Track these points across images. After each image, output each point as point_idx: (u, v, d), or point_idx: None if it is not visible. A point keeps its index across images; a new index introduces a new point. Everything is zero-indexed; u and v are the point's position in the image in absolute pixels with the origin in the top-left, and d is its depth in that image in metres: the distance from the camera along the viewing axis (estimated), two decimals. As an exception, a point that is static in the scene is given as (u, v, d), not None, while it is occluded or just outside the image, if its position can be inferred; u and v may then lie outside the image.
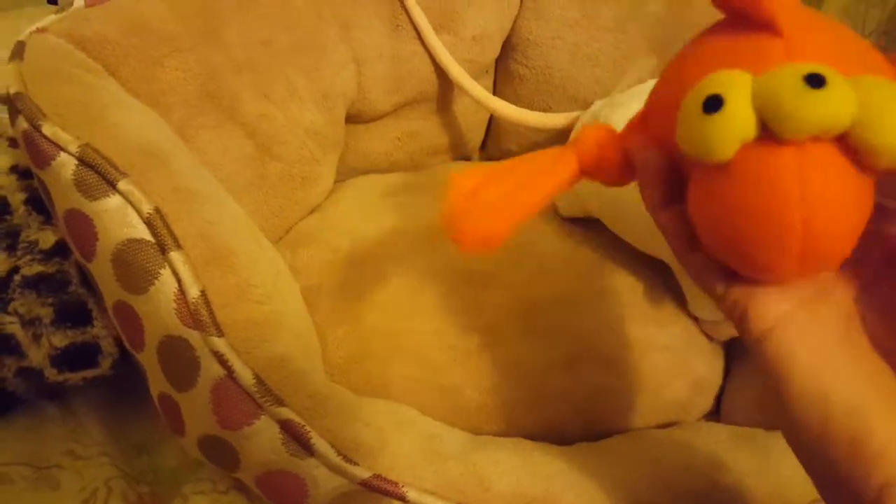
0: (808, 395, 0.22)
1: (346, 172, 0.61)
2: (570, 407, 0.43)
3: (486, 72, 0.63)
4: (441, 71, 0.57)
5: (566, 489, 0.35)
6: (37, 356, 0.40)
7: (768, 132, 0.19)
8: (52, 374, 0.41)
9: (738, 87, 0.19)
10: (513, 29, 0.61)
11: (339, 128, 0.55)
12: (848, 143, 0.19)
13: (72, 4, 0.41)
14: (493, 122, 0.66)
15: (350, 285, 0.49)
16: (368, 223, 0.55)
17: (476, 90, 0.58)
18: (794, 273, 0.21)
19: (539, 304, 0.46)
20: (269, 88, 0.49)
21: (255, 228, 0.39)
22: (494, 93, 0.64)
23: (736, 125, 0.19)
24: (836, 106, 0.18)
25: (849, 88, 0.18)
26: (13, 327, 0.39)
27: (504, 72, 0.63)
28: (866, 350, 0.23)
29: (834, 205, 0.19)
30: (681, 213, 0.24)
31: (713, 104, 0.19)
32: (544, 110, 0.61)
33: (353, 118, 0.57)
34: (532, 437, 0.41)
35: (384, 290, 0.48)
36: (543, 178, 0.26)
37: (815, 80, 0.18)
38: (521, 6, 0.60)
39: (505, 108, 0.58)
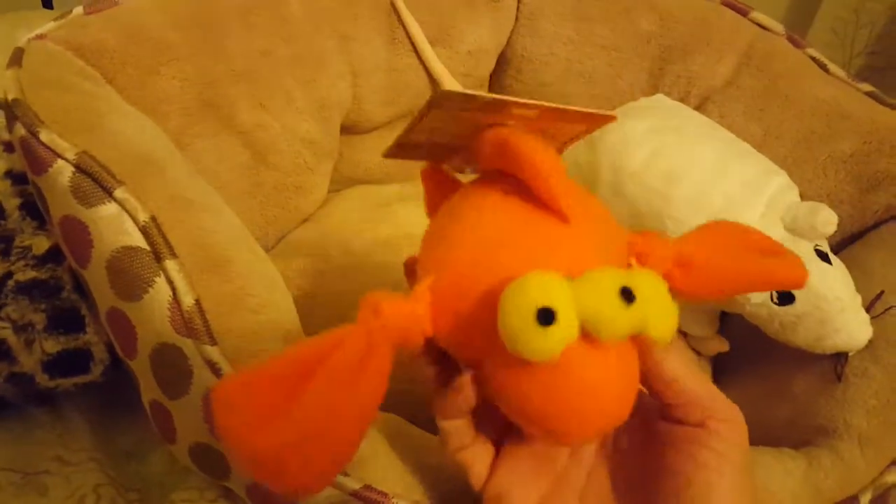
0: None
1: (341, 182, 0.61)
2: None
3: (481, 86, 0.64)
4: (436, 84, 0.58)
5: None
6: (28, 362, 0.40)
7: (586, 333, 0.22)
8: (43, 379, 0.41)
9: (564, 300, 0.21)
10: (508, 44, 0.61)
11: (335, 138, 0.56)
12: (637, 337, 0.22)
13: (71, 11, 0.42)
14: (486, 135, 0.67)
15: (342, 295, 0.49)
16: (362, 233, 0.55)
17: (470, 104, 0.58)
18: (592, 438, 0.25)
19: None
20: (266, 98, 0.49)
21: (250, 237, 0.39)
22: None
23: (566, 335, 0.21)
24: (644, 316, 0.21)
25: (648, 294, 0.22)
26: (5, 332, 0.39)
27: (498, 86, 0.64)
28: None
29: (628, 388, 0.23)
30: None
31: (546, 317, 0.20)
32: (537, 125, 0.62)
33: (348, 129, 0.58)
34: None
35: (376, 301, 0.48)
36: (355, 388, 0.22)
37: (628, 295, 0.21)
38: (516, 22, 0.61)
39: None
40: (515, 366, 0.22)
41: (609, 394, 0.22)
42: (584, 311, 0.21)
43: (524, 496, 0.27)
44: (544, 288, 0.21)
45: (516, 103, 0.24)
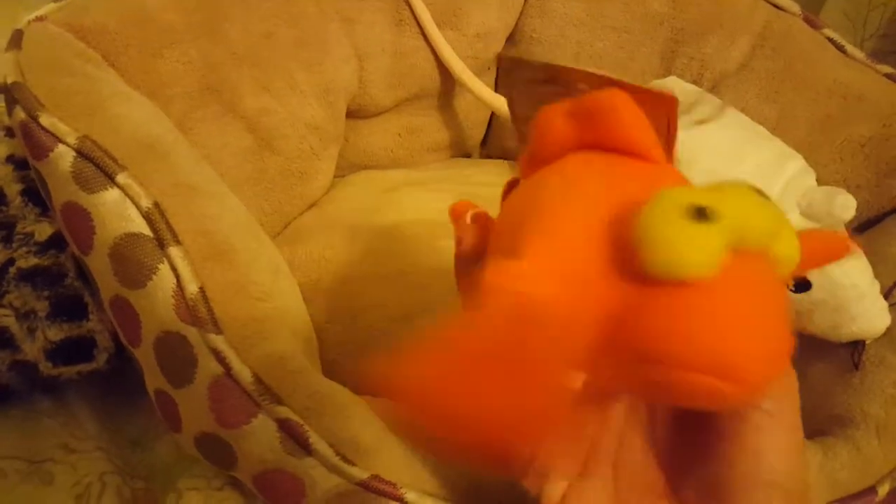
0: None
1: (346, 168, 0.60)
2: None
3: (489, 68, 0.63)
4: (443, 67, 0.57)
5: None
6: (31, 350, 0.40)
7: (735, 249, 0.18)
8: (46, 367, 0.40)
9: (714, 198, 0.18)
10: (516, 26, 0.60)
11: (340, 123, 0.55)
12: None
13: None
14: (494, 119, 0.66)
15: (347, 282, 0.48)
16: (367, 219, 0.54)
17: (478, 87, 0.57)
18: (770, 374, 0.20)
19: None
20: (270, 82, 0.48)
21: (255, 224, 0.39)
22: (496, 90, 0.63)
23: (725, 238, 0.18)
24: (780, 216, 0.19)
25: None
26: (8, 320, 0.39)
27: (506, 69, 0.63)
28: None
29: (784, 308, 0.20)
30: None
31: (701, 213, 0.17)
32: (546, 109, 0.61)
33: (353, 113, 0.57)
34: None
35: (382, 288, 0.47)
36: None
37: (762, 195, 0.19)
38: (525, 3, 0.59)
39: (506, 106, 0.58)
40: (673, 303, 0.18)
41: (773, 312, 0.19)
42: (730, 215, 0.18)
43: (565, 469, 0.25)
44: (689, 191, 0.18)
45: (576, 71, 0.23)
